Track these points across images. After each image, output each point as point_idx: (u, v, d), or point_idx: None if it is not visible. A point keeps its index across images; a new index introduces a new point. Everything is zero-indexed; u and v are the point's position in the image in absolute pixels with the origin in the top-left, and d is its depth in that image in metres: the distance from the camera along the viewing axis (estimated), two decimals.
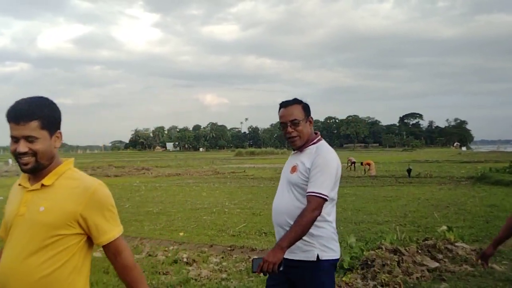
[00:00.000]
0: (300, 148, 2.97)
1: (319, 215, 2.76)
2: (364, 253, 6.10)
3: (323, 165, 2.82)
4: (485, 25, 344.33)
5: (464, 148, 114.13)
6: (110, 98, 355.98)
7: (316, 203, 2.74)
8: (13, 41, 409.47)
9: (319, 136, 3.01)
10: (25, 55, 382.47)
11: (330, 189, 2.81)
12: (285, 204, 2.91)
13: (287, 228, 2.77)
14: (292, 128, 2.91)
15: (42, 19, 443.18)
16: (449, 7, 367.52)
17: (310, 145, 2.95)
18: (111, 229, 2.04)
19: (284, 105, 2.97)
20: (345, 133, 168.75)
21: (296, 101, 2.97)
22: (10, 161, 50.34)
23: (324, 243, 2.84)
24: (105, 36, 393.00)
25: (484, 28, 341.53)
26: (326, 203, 2.81)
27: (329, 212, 2.91)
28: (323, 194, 2.76)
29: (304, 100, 3.01)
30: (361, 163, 30.19)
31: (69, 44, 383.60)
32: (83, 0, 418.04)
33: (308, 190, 2.78)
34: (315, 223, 2.77)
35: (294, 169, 2.91)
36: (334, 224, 2.96)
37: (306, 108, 2.98)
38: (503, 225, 3.33)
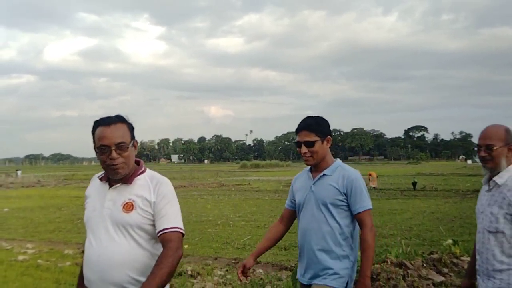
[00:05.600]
0: (124, 180, 2.34)
1: (182, 255, 2.28)
2: None
3: (171, 195, 2.34)
4: (489, 38, 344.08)
5: (469, 161, 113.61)
6: (115, 110, 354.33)
7: (179, 240, 2.26)
8: (20, 53, 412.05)
9: (144, 165, 2.45)
10: (31, 67, 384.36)
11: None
12: (123, 253, 2.23)
13: (127, 285, 2.23)
14: (118, 153, 2.24)
15: (49, 31, 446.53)
16: (453, 20, 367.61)
17: (139, 175, 2.37)
18: None
19: (105, 122, 2.28)
20: (350, 146, 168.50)
21: (120, 119, 2.32)
22: (19, 172, 50.30)
23: None
24: (110, 49, 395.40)
25: (487, 41, 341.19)
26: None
27: None
28: (181, 229, 2.30)
29: (128, 119, 2.38)
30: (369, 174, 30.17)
31: (75, 57, 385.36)
32: (89, 13, 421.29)
33: (165, 227, 2.25)
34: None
35: (128, 207, 2.27)
36: None
37: (131, 129, 2.37)
38: None
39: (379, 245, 8.97)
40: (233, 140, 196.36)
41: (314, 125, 2.84)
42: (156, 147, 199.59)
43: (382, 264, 6.05)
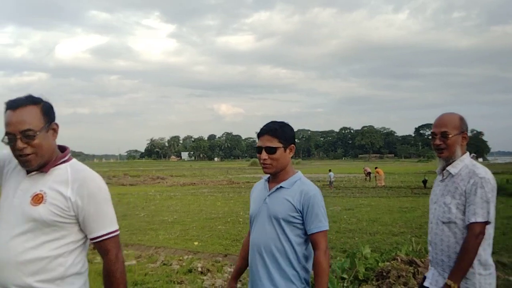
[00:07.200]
0: (40, 168, 2.02)
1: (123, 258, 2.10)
2: (379, 264, 6.06)
3: (101, 193, 2.04)
4: (501, 36, 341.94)
5: (480, 160, 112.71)
6: (126, 107, 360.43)
7: (117, 245, 2.06)
8: (32, 51, 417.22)
9: (70, 153, 2.12)
10: (43, 65, 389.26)
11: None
12: (20, 252, 1.91)
13: None
14: (25, 141, 1.92)
15: (60, 29, 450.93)
16: (464, 17, 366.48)
17: (59, 164, 2.04)
18: None
19: (11, 105, 1.96)
20: (360, 144, 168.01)
21: (31, 100, 1.98)
22: None
23: None
24: (122, 46, 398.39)
25: (500, 39, 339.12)
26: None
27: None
28: (117, 230, 2.09)
29: (45, 99, 2.04)
30: (376, 172, 30.05)
31: (86, 54, 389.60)
32: (101, 11, 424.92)
33: (101, 233, 2.02)
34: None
35: (37, 199, 1.94)
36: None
37: (47, 111, 2.02)
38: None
39: (389, 243, 8.94)
40: (243, 138, 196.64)
41: (278, 130, 2.56)
42: (167, 144, 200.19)
43: (392, 262, 6.03)
